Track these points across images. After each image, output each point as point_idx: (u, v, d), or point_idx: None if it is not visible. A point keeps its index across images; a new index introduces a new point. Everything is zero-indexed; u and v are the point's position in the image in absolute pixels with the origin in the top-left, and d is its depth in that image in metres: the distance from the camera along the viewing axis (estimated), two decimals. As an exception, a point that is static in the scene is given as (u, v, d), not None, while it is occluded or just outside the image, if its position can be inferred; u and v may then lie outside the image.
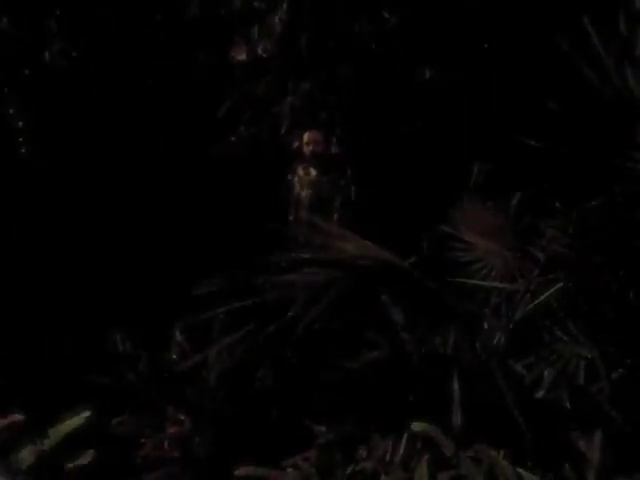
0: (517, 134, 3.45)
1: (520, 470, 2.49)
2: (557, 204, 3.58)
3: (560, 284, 3.23)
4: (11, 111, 5.65)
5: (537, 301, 3.24)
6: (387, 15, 5.32)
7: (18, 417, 2.68)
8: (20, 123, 5.61)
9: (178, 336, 4.29)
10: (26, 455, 2.55)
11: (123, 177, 5.27)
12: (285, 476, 2.74)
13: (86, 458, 2.68)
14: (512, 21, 4.92)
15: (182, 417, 3.84)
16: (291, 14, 5.31)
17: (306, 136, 5.08)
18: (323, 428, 3.01)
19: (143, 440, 3.76)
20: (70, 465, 2.63)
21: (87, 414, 2.81)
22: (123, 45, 5.69)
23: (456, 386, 2.62)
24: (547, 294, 3.23)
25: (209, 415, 3.80)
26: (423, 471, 2.62)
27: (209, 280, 3.95)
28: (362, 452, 2.90)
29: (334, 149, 5.16)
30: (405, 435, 2.74)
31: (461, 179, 4.43)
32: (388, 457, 2.73)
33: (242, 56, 5.56)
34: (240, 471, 2.83)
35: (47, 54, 5.72)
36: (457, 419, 2.56)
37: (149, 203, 5.19)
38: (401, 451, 2.75)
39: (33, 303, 4.60)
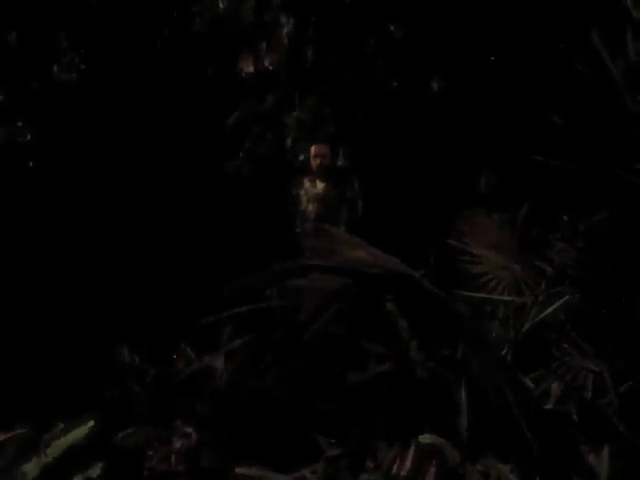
0: (524, 147, 3.45)
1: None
2: (564, 217, 3.58)
3: (567, 297, 3.23)
4: (20, 124, 5.68)
5: (544, 314, 3.23)
6: (393, 28, 5.33)
7: (22, 430, 2.69)
8: (28, 136, 5.65)
9: (185, 348, 4.29)
10: (31, 467, 2.56)
11: (130, 189, 5.29)
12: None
13: (95, 470, 2.69)
14: (521, 35, 4.93)
15: (189, 430, 3.83)
16: (298, 28, 5.34)
17: (313, 149, 5.09)
18: (330, 440, 3.00)
19: (150, 453, 3.75)
20: (79, 477, 2.63)
21: (90, 424, 2.82)
22: (131, 58, 5.73)
23: (463, 397, 2.61)
24: (554, 307, 3.22)
25: (216, 428, 3.80)
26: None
27: (216, 290, 3.97)
28: (369, 464, 2.89)
29: (341, 162, 5.17)
30: (412, 447, 2.73)
31: (468, 192, 4.43)
32: (395, 469, 2.72)
33: (250, 68, 5.59)
34: (240, 470, 2.82)
35: (56, 67, 5.77)
36: (464, 429, 2.54)
37: (157, 215, 5.20)
38: (408, 464, 2.73)
39: (40, 315, 4.60)
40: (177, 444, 3.79)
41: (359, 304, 2.89)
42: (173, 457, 3.76)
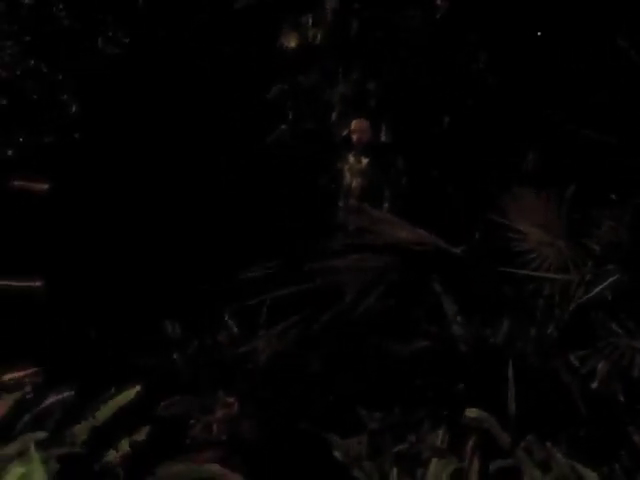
0: (573, 124, 3.40)
1: (575, 463, 2.47)
2: (613, 195, 3.52)
3: (616, 276, 3.18)
4: (65, 96, 5.75)
5: (591, 293, 3.19)
6: (439, 2, 5.26)
7: (69, 393, 2.76)
8: (74, 108, 5.71)
9: (227, 320, 4.34)
10: (81, 429, 2.62)
11: (176, 162, 5.31)
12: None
13: (141, 434, 2.75)
14: (568, 12, 4.83)
15: (231, 400, 3.89)
16: (343, 2, 5.29)
17: (353, 124, 5.06)
18: (375, 414, 3.02)
19: (192, 422, 3.81)
20: (126, 440, 2.70)
21: (137, 389, 2.88)
22: (173, 33, 5.74)
23: (511, 375, 2.60)
24: (602, 286, 3.18)
25: (257, 399, 3.84)
26: (475, 460, 2.62)
27: (260, 265, 3.99)
28: (411, 438, 2.91)
29: (384, 137, 5.13)
30: (456, 424, 2.74)
31: (514, 169, 4.37)
32: (439, 443, 2.73)
33: (292, 44, 5.56)
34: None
35: (100, 41, 5.81)
36: (512, 408, 2.54)
37: (202, 189, 5.23)
38: (452, 439, 2.75)
39: (89, 289, 4.66)
40: (219, 414, 3.85)
41: (404, 283, 2.89)
42: (214, 426, 3.81)
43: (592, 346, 3.06)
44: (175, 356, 4.19)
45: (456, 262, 2.99)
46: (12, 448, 2.15)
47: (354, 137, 5.06)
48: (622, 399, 2.88)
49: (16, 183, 4.30)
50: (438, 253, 2.98)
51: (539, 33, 5.18)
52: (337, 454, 2.92)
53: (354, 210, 4.39)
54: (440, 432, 2.76)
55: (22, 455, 2.11)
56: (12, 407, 2.39)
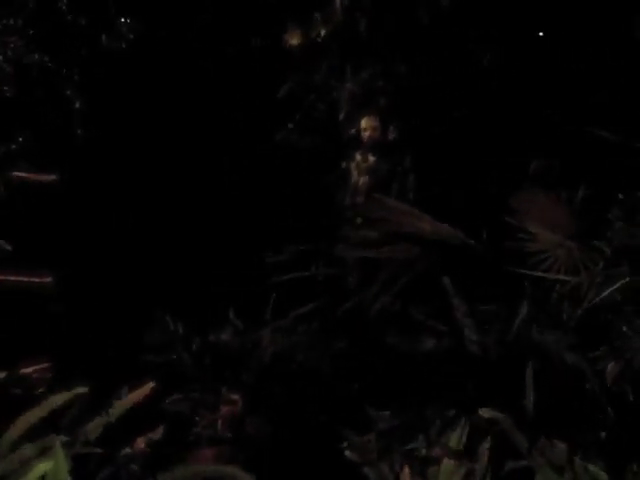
0: (584, 125, 3.40)
1: (588, 465, 2.47)
2: (623, 196, 3.52)
3: (627, 278, 3.18)
4: (69, 92, 5.72)
5: (602, 295, 3.19)
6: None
7: (83, 390, 2.75)
8: (77, 103, 5.68)
9: (232, 317, 4.34)
10: (94, 426, 2.62)
11: (183, 157, 5.30)
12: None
13: (157, 433, 2.75)
14: (580, 8, 4.83)
15: (235, 397, 3.89)
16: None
17: (363, 122, 5.06)
18: (384, 413, 3.02)
19: (197, 419, 3.81)
20: (141, 438, 2.70)
21: (150, 385, 2.88)
22: (178, 30, 5.72)
23: (529, 374, 2.60)
24: (613, 288, 3.18)
25: (262, 396, 3.84)
26: (484, 460, 2.63)
27: (263, 260, 3.98)
28: (422, 438, 2.90)
29: (392, 136, 5.12)
30: (469, 423, 2.74)
31: (524, 169, 4.36)
32: (453, 444, 2.73)
33: (295, 41, 5.54)
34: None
35: (104, 37, 5.78)
36: (530, 408, 2.54)
37: (204, 185, 5.22)
38: (464, 439, 2.74)
39: (96, 287, 4.65)
40: (223, 411, 3.85)
41: (417, 277, 2.89)
42: (219, 423, 3.81)
43: (602, 347, 3.07)
44: (179, 353, 4.19)
45: (473, 255, 2.99)
46: (35, 447, 2.14)
47: (365, 135, 5.07)
48: (632, 400, 2.88)
49: (19, 175, 4.27)
50: (460, 244, 2.97)
51: (541, 33, 5.18)
52: (348, 453, 2.92)
53: (364, 202, 4.36)
54: (453, 432, 2.76)
55: (43, 453, 2.10)
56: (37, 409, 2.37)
